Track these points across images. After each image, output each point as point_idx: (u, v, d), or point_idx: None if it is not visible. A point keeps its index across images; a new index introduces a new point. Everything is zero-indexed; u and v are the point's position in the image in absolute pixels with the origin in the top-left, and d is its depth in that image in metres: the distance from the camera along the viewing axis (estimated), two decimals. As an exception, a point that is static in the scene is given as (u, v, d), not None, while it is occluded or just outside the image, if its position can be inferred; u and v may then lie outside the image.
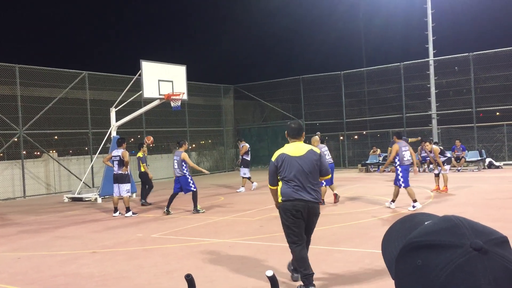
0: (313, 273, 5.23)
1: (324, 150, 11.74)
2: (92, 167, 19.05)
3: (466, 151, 20.53)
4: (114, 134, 15.98)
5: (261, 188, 15.74)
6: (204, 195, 14.82)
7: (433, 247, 0.82)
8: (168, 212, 11.64)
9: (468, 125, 22.44)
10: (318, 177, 5.41)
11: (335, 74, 25.81)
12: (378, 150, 22.91)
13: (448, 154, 14.21)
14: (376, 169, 21.96)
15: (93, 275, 6.43)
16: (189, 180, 11.63)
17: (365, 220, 9.51)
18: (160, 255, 7.39)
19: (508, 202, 10.97)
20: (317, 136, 12.01)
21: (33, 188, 18.70)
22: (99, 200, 15.45)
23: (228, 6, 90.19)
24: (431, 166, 17.61)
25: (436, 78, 22.89)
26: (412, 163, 10.91)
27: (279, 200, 5.43)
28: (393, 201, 10.83)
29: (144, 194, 14.02)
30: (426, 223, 0.90)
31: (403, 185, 10.52)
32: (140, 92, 15.00)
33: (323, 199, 11.35)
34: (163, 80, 15.28)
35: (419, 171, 19.62)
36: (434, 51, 22.91)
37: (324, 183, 11.08)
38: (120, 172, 11.92)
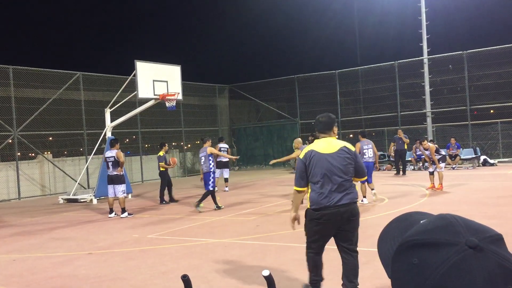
0: (322, 279, 4.95)
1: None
2: (87, 168, 18.98)
3: (461, 148, 20.63)
4: (109, 134, 15.93)
5: (258, 188, 15.70)
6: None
7: (429, 246, 0.83)
8: (218, 207, 12.00)
9: (463, 123, 22.55)
10: (351, 177, 4.77)
11: (330, 73, 25.84)
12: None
13: (443, 152, 14.29)
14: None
15: (89, 276, 6.42)
16: (211, 178, 11.99)
17: (361, 219, 9.49)
18: (156, 255, 7.38)
19: (502, 199, 11.02)
20: (299, 138, 12.13)
21: (28, 189, 18.61)
22: (95, 201, 15.41)
23: (222, 6, 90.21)
24: (425, 164, 17.67)
25: (430, 76, 22.97)
26: (375, 161, 12.01)
27: (308, 206, 4.80)
28: (364, 197, 11.49)
29: (169, 193, 14.20)
30: (421, 221, 0.91)
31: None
32: (135, 92, 14.98)
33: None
34: (157, 80, 15.26)
35: (414, 169, 19.94)
36: (428, 50, 23.00)
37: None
38: (115, 173, 11.89)
